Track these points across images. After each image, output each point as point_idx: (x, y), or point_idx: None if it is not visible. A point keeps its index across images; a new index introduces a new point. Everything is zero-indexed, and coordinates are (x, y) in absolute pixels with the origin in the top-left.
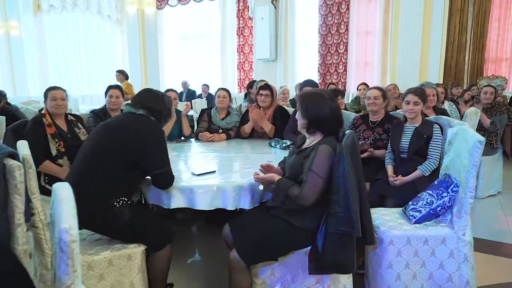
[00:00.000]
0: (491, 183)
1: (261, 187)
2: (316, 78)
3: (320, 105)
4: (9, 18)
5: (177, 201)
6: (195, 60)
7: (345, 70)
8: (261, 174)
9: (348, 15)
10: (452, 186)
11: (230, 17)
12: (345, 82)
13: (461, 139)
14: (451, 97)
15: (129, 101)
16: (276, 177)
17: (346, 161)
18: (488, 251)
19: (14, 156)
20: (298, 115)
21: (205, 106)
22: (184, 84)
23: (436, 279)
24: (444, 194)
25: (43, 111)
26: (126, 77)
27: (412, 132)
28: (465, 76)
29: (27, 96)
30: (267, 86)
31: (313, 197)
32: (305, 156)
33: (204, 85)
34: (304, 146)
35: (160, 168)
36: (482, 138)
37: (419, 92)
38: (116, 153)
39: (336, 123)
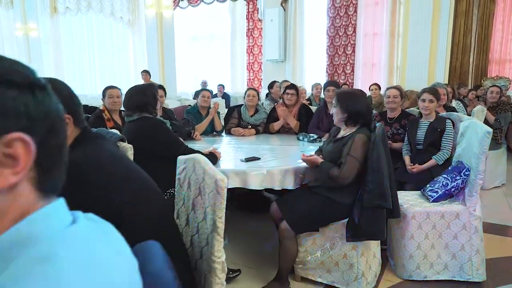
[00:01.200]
0: (496, 175)
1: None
2: (324, 78)
3: (357, 101)
4: (28, 20)
5: (232, 182)
6: (205, 61)
7: (353, 70)
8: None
9: (356, 17)
10: (464, 170)
11: (240, 19)
12: (353, 83)
13: (472, 131)
14: (458, 96)
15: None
16: (319, 159)
17: (379, 147)
18: (495, 232)
19: (124, 140)
20: (336, 111)
21: (224, 105)
22: (204, 84)
23: (450, 248)
24: (458, 178)
25: (101, 107)
26: (150, 77)
27: (427, 126)
28: (470, 77)
29: None
30: (293, 86)
31: (350, 177)
32: (343, 144)
33: (219, 85)
34: (340, 136)
35: (179, 149)
36: (490, 129)
37: (433, 91)
38: (149, 155)
39: (369, 117)
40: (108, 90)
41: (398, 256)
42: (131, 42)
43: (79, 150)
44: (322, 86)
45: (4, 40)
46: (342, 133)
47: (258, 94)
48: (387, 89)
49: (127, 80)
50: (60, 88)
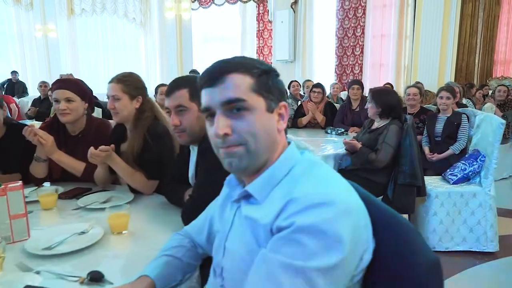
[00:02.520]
0: (503, 167)
1: None
2: (333, 78)
3: (389, 97)
4: (47, 22)
5: None
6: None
7: (361, 71)
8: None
9: (364, 19)
10: (480, 157)
11: (250, 21)
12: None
13: (487, 123)
14: (467, 95)
15: None
16: (359, 145)
17: (411, 135)
18: (505, 215)
19: None
20: (371, 106)
21: None
22: None
23: (468, 223)
24: (474, 163)
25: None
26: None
27: (445, 120)
28: (475, 77)
29: None
30: (319, 85)
31: (386, 161)
32: (379, 133)
33: None
34: (374, 127)
35: None
36: (504, 121)
37: (450, 89)
38: None
39: (400, 110)
40: (160, 88)
41: (422, 230)
42: (143, 42)
43: None
44: (338, 85)
45: (24, 40)
46: (376, 125)
47: (290, 93)
48: (407, 87)
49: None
50: None
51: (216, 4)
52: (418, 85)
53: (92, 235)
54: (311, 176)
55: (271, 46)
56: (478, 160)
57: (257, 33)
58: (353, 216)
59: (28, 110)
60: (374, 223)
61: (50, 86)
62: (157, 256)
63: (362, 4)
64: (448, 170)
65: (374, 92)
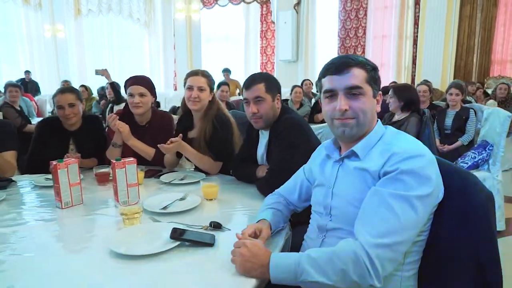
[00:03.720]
0: (504, 160)
1: None
2: None
3: (411, 92)
4: (56, 22)
5: None
6: (220, 61)
7: None
8: None
9: (366, 20)
10: (488, 146)
11: (253, 21)
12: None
13: (495, 116)
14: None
15: None
16: None
17: (430, 125)
18: (509, 201)
19: None
20: (393, 100)
21: None
22: None
23: None
24: (483, 152)
25: None
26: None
27: (454, 115)
28: (474, 76)
29: None
30: None
31: None
32: (400, 125)
33: None
34: (395, 119)
35: None
36: (510, 113)
37: (459, 86)
38: None
39: (419, 104)
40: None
41: None
42: (147, 42)
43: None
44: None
45: (33, 40)
46: (397, 117)
47: (303, 90)
48: (418, 85)
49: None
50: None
51: (219, 5)
52: (427, 83)
53: (191, 201)
54: (401, 138)
55: (274, 46)
56: (486, 149)
57: (260, 33)
58: (435, 165)
59: (53, 110)
60: (441, 172)
61: (106, 85)
62: (263, 209)
63: (364, 6)
64: (459, 159)
65: (396, 88)
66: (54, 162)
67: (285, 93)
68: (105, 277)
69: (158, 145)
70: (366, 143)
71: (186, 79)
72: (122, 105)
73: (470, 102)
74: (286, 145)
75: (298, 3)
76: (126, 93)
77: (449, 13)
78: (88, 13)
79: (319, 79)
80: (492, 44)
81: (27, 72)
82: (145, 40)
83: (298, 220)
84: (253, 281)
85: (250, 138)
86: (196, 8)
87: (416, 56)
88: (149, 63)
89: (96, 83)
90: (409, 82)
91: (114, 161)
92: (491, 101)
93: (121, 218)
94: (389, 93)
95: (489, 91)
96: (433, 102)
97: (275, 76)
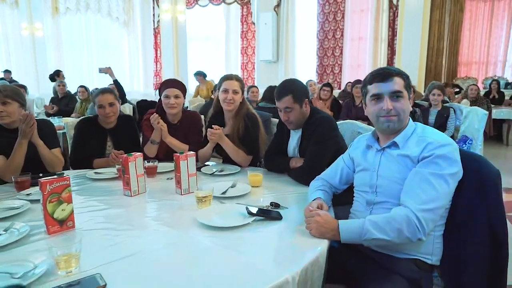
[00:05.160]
0: None
1: None
2: (314, 78)
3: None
4: (34, 20)
5: None
6: (201, 61)
7: (340, 71)
8: None
9: (343, 22)
10: (468, 140)
11: (234, 22)
12: (340, 82)
13: (474, 114)
14: None
15: None
16: None
17: (421, 122)
18: None
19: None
20: None
21: None
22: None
23: None
24: (463, 145)
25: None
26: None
27: (436, 113)
28: (443, 77)
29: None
30: (328, 84)
31: None
32: None
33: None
34: None
35: None
36: (487, 112)
37: (441, 87)
38: None
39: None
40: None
41: None
42: (126, 41)
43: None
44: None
45: (9, 39)
46: None
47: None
48: None
49: (123, 77)
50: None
51: (200, 5)
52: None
53: (242, 188)
54: (430, 131)
55: (255, 47)
56: (466, 143)
57: (241, 34)
58: (458, 151)
59: (52, 109)
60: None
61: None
62: (313, 191)
63: (341, 9)
64: None
65: None
66: (124, 156)
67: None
68: (197, 247)
69: (208, 129)
70: (404, 135)
71: (220, 82)
72: (127, 106)
73: (447, 101)
74: (320, 140)
75: (278, 5)
76: (160, 95)
77: (424, 17)
78: (66, 11)
79: (365, 85)
80: (459, 47)
81: (7, 71)
82: (124, 39)
83: (336, 202)
84: (325, 241)
85: (281, 134)
86: (182, 9)
87: (390, 58)
88: (128, 62)
89: (74, 83)
90: None
91: (178, 154)
92: (465, 100)
93: (184, 202)
94: None
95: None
96: (416, 102)
97: (255, 76)
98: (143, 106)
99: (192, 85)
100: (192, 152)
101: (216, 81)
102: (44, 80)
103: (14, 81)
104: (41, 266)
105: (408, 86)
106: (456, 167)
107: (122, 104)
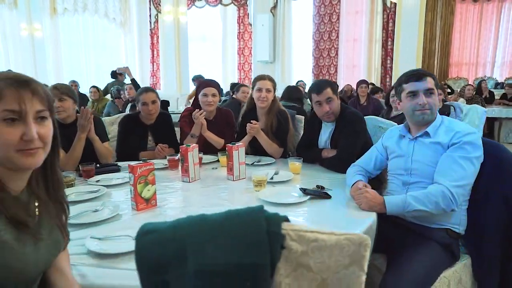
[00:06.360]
0: None
1: None
2: (310, 78)
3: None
4: (33, 21)
5: None
6: (198, 61)
7: (336, 71)
8: None
9: (339, 24)
10: None
11: (231, 23)
12: (336, 82)
13: (474, 111)
14: None
15: None
16: None
17: None
18: None
19: None
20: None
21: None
22: None
23: None
24: None
25: None
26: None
27: (437, 111)
28: None
29: None
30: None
31: None
32: (402, 118)
33: None
34: (393, 115)
35: None
36: (486, 109)
37: (441, 87)
38: None
39: None
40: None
41: None
42: (123, 42)
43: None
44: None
45: (8, 39)
46: (395, 113)
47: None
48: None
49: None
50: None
51: (196, 6)
52: None
53: (285, 175)
54: (455, 122)
55: (251, 47)
56: None
57: (237, 35)
58: (480, 138)
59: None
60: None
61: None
62: (353, 175)
63: (337, 11)
64: None
65: None
66: (183, 147)
67: None
68: None
69: (248, 124)
70: (434, 126)
71: (254, 82)
72: None
73: (446, 100)
74: (353, 132)
75: (275, 7)
76: (198, 93)
77: (420, 19)
78: (64, 12)
79: (400, 84)
80: (450, 48)
81: (9, 72)
82: (120, 39)
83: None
84: (374, 214)
85: (312, 128)
86: (183, 11)
87: (384, 59)
88: (125, 62)
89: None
90: (379, 83)
91: (231, 145)
92: (461, 99)
93: (238, 186)
94: (391, 93)
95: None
96: None
97: (252, 76)
98: None
99: (192, 85)
100: (241, 143)
101: None
102: (44, 79)
103: None
104: None
105: (437, 85)
106: (480, 151)
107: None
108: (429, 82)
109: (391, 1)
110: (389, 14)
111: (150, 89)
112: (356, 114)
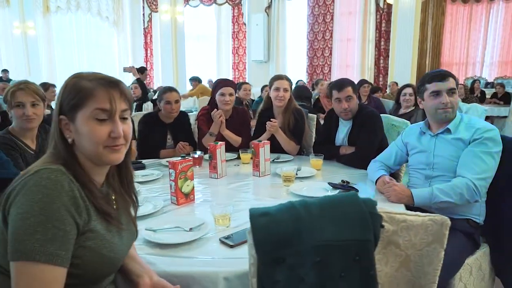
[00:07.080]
0: None
1: None
2: (304, 77)
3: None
4: (26, 19)
5: None
6: (192, 60)
7: (330, 71)
8: None
9: (332, 24)
10: None
11: (225, 22)
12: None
13: (474, 110)
14: None
15: None
16: None
17: None
18: None
19: None
20: (413, 97)
21: None
22: (210, 82)
23: None
24: None
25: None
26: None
27: None
28: None
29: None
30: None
31: None
32: (410, 116)
33: (210, 80)
34: (401, 112)
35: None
36: (486, 108)
37: None
38: None
39: None
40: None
41: None
42: (116, 41)
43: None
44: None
45: (1, 38)
46: (402, 111)
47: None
48: (404, 87)
49: (112, 75)
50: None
51: (190, 6)
52: (412, 85)
53: (308, 170)
54: (474, 119)
55: (246, 47)
56: None
57: (232, 34)
58: (499, 134)
59: None
60: None
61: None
62: (375, 170)
63: (330, 11)
64: None
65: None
66: (212, 144)
67: (257, 92)
68: None
69: (268, 122)
70: (454, 123)
71: (272, 82)
72: (149, 104)
73: None
74: (371, 130)
75: (269, 7)
76: (215, 93)
77: (416, 19)
78: (57, 10)
79: (423, 84)
80: (441, 49)
81: (4, 70)
82: (113, 38)
83: None
84: (402, 205)
85: (329, 126)
86: (181, 10)
87: (377, 59)
88: (118, 61)
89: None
90: (372, 82)
91: (257, 142)
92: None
93: (265, 182)
94: (409, 91)
95: None
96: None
97: (246, 75)
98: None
99: (189, 85)
100: (267, 141)
101: (205, 82)
102: (37, 78)
103: (11, 80)
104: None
105: (457, 85)
106: (499, 146)
107: (144, 102)
108: (452, 82)
109: (384, 2)
110: (382, 15)
111: (174, 89)
112: (374, 112)
